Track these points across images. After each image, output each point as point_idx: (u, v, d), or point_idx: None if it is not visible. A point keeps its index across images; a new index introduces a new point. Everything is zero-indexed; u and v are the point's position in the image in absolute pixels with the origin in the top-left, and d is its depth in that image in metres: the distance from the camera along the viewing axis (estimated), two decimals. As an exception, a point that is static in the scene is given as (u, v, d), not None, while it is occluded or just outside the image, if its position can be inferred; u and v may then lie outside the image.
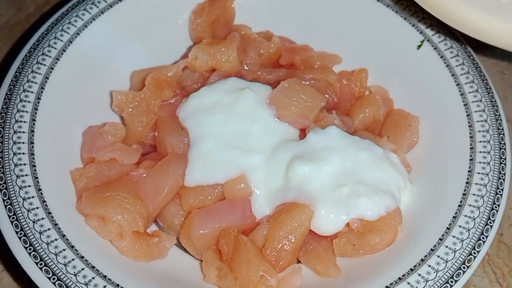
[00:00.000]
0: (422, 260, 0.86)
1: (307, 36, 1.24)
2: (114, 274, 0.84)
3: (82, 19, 1.12)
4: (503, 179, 0.92)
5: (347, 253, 0.95)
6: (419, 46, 1.13)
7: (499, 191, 0.91)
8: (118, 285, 0.83)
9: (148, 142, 1.10)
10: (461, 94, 1.05)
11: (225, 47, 1.15)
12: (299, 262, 0.97)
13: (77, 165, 1.03)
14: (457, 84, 1.06)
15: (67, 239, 0.86)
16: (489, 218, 0.89)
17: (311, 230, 0.94)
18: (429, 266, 0.85)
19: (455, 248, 0.87)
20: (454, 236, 0.88)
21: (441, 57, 1.10)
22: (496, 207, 0.90)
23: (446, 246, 0.87)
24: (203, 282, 0.93)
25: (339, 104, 1.17)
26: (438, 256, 0.86)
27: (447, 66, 1.09)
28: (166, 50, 1.22)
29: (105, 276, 0.83)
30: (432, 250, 0.87)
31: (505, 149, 0.96)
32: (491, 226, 0.88)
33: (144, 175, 1.01)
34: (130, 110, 1.08)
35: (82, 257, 0.85)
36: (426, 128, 1.08)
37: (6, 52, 1.35)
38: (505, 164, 0.94)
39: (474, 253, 0.86)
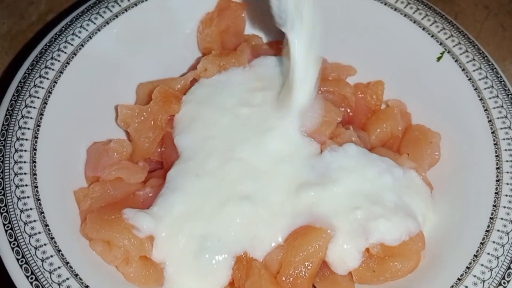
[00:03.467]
0: (449, 291, 0.81)
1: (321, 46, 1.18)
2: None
3: (86, 30, 1.07)
4: (533, 202, 0.87)
5: (366, 280, 0.90)
6: (439, 58, 1.08)
7: (530, 215, 0.86)
8: (125, 316, 0.78)
9: (155, 158, 1.05)
10: (485, 110, 0.99)
11: (236, 58, 1.10)
12: (314, 287, 0.92)
13: (82, 183, 0.98)
14: (481, 99, 1.01)
15: (70, 267, 0.81)
16: (519, 245, 0.84)
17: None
18: (458, 296, 0.81)
19: (483, 278, 0.82)
20: (482, 265, 0.83)
21: (463, 70, 1.05)
22: (526, 232, 0.85)
23: (474, 276, 0.82)
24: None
25: (354, 118, 1.12)
26: (466, 287, 0.81)
27: (469, 79, 1.03)
28: (174, 61, 1.17)
29: (111, 307, 0.79)
30: (459, 280, 0.82)
31: (533, 169, 0.91)
32: (522, 254, 0.83)
33: (151, 194, 0.96)
34: (136, 125, 1.03)
35: (87, 286, 0.80)
36: (447, 145, 1.03)
37: (8, 62, 1.31)
38: (534, 185, 0.89)
39: (504, 283, 0.81)
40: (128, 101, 1.12)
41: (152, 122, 1.03)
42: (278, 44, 1.20)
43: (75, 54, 1.05)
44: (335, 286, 0.89)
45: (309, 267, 0.87)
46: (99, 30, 1.08)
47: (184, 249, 0.88)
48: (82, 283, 0.80)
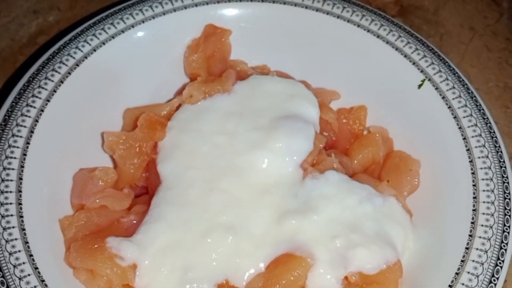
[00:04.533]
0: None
1: (305, 71, 1.21)
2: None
3: (74, 58, 1.09)
4: (508, 232, 0.89)
5: (345, 308, 0.91)
6: (420, 86, 1.10)
7: (504, 245, 0.88)
8: None
9: (140, 183, 1.07)
10: (464, 138, 1.01)
11: (221, 85, 1.12)
12: (295, 314, 0.94)
13: (68, 210, 1.00)
14: (460, 128, 1.03)
15: (54, 297, 0.83)
16: (493, 275, 0.85)
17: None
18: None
19: (458, 308, 0.83)
20: (457, 293, 0.85)
21: (443, 97, 1.07)
22: (500, 263, 0.86)
23: (449, 305, 0.84)
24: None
25: (337, 143, 1.14)
26: (441, 317, 0.83)
27: (449, 107, 1.05)
28: (161, 86, 1.19)
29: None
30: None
31: (510, 199, 0.92)
32: (495, 285, 0.84)
33: (135, 221, 0.98)
34: (122, 151, 1.05)
35: (70, 317, 0.82)
36: (427, 172, 1.04)
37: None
38: (510, 216, 0.91)
39: (478, 313, 0.83)
40: (116, 126, 1.14)
41: (138, 149, 1.05)
42: (263, 69, 1.23)
43: (62, 82, 1.06)
44: (315, 314, 0.91)
45: (289, 296, 0.89)
46: (86, 57, 1.10)
47: (166, 280, 0.89)
48: (65, 313, 0.82)
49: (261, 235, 0.94)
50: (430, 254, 0.93)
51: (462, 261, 0.88)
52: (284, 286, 0.89)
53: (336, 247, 0.92)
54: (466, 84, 1.08)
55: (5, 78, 1.34)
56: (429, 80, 1.09)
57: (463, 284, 0.86)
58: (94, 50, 1.11)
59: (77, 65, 1.09)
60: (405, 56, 1.13)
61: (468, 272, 0.87)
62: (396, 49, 1.13)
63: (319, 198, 0.97)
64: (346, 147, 1.14)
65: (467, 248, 0.89)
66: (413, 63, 1.12)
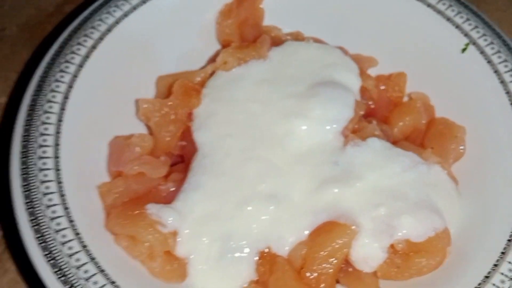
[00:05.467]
0: (476, 288, 0.81)
1: (340, 37, 1.17)
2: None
3: (106, 23, 1.07)
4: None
5: (390, 276, 0.89)
6: (463, 50, 1.06)
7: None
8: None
9: (176, 152, 1.05)
10: (511, 103, 0.97)
11: (256, 51, 1.09)
12: (337, 282, 0.92)
13: (104, 178, 0.98)
14: (507, 92, 0.99)
15: (96, 262, 0.82)
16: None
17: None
18: (486, 293, 0.80)
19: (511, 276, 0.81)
20: (510, 262, 0.82)
21: (488, 62, 1.03)
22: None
23: (502, 273, 0.81)
24: (238, 305, 0.88)
25: (376, 111, 1.11)
26: (494, 285, 0.80)
27: (495, 72, 1.02)
28: (191, 53, 1.16)
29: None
30: (486, 277, 0.81)
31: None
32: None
33: (173, 189, 0.96)
34: (157, 119, 1.03)
35: (113, 282, 0.80)
36: (472, 138, 1.01)
37: (26, 54, 1.30)
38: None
39: (533, 281, 0.80)
40: (148, 94, 1.12)
41: (173, 116, 1.03)
42: (297, 35, 1.19)
43: (94, 47, 1.04)
44: (359, 282, 0.89)
45: (333, 263, 0.87)
46: (117, 23, 1.07)
47: (207, 249, 0.88)
48: (108, 278, 0.80)
49: (302, 203, 0.92)
50: (478, 222, 0.91)
51: (514, 228, 0.85)
52: (328, 255, 0.87)
53: (381, 215, 0.89)
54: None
55: (32, 47, 1.32)
56: (473, 44, 1.05)
57: (516, 250, 0.83)
58: (126, 16, 1.09)
59: (109, 31, 1.06)
60: (448, 19, 1.08)
61: (522, 238, 0.84)
62: (438, 12, 1.09)
63: (361, 165, 0.94)
64: (385, 115, 1.11)
65: (518, 215, 0.86)
66: (456, 27, 1.07)
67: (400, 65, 1.13)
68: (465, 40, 1.06)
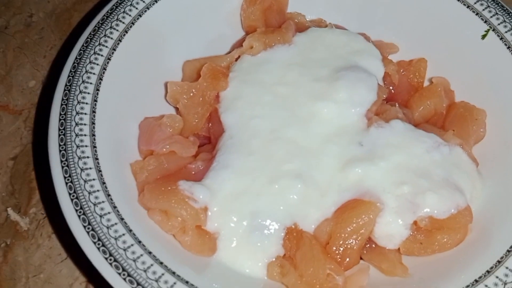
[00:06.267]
0: (498, 261, 0.83)
1: (362, 24, 1.20)
2: (182, 270, 0.83)
3: (136, 8, 1.10)
4: None
5: (413, 252, 0.92)
6: (483, 36, 1.08)
7: None
8: (187, 281, 0.82)
9: (203, 133, 1.08)
10: (531, 88, 1.00)
11: (281, 36, 1.12)
12: (361, 259, 0.95)
13: (135, 157, 1.02)
14: (526, 77, 1.01)
15: (134, 234, 0.85)
16: None
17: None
18: (507, 268, 0.82)
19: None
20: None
21: (508, 48, 1.05)
22: None
23: (522, 249, 0.84)
24: (266, 279, 0.92)
25: (397, 95, 1.14)
26: (514, 261, 0.83)
27: (515, 57, 1.04)
28: (216, 39, 1.19)
29: (173, 273, 0.83)
30: (508, 251, 0.84)
31: None
32: None
33: (202, 167, 1.00)
34: (186, 101, 1.06)
35: (150, 252, 0.84)
36: (492, 122, 1.04)
37: (55, 40, 1.34)
38: None
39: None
40: (174, 79, 1.15)
41: (201, 99, 1.06)
42: (319, 22, 1.22)
43: (126, 32, 1.07)
44: (382, 258, 0.92)
45: (358, 239, 0.90)
46: (148, 8, 1.11)
47: (236, 225, 0.91)
48: (146, 249, 0.84)
49: (328, 182, 0.95)
50: (498, 202, 0.93)
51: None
52: (353, 231, 0.90)
53: (404, 193, 0.92)
54: (532, 34, 1.06)
55: (60, 33, 1.35)
56: (493, 30, 1.08)
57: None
58: (156, 1, 1.12)
59: (140, 16, 1.10)
60: (468, 6, 1.11)
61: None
62: (458, -1, 1.12)
63: (385, 146, 0.97)
64: (406, 100, 1.13)
65: (538, 194, 0.89)
66: (476, 13, 1.10)
67: (420, 52, 1.16)
68: (485, 27, 1.08)
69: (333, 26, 1.18)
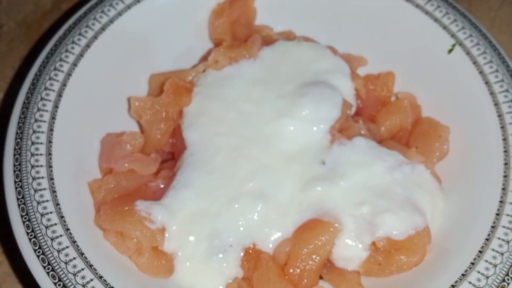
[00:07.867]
0: (452, 286, 0.83)
1: (331, 36, 1.19)
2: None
3: (100, 22, 1.09)
4: (540, 199, 0.88)
5: (372, 273, 0.92)
6: (450, 50, 1.07)
7: (536, 212, 0.87)
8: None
9: (166, 149, 1.07)
10: (495, 104, 0.99)
11: (247, 50, 1.11)
12: (320, 278, 0.94)
13: (96, 174, 1.01)
14: (491, 93, 1.00)
15: (85, 258, 0.84)
16: (524, 242, 0.85)
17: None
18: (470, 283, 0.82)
19: (487, 274, 0.83)
20: (486, 261, 0.84)
21: (474, 63, 1.04)
22: (532, 229, 0.85)
23: (478, 272, 0.83)
24: (223, 299, 0.91)
25: (364, 109, 1.13)
26: (470, 283, 0.83)
27: (480, 73, 1.03)
28: (185, 51, 1.18)
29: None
30: (463, 275, 0.83)
31: (542, 165, 0.91)
32: (527, 251, 0.84)
33: (162, 186, 0.99)
34: (149, 117, 1.05)
35: (101, 276, 0.83)
36: (456, 138, 1.03)
37: (23, 51, 1.33)
38: (542, 182, 0.89)
39: (508, 279, 0.82)
40: (141, 92, 1.14)
41: (164, 114, 1.05)
42: (288, 34, 1.21)
43: (88, 46, 1.06)
44: (342, 278, 0.91)
45: (316, 260, 0.89)
46: (112, 22, 1.10)
47: (194, 247, 0.90)
48: (97, 273, 0.83)
49: (288, 201, 0.94)
50: (459, 220, 0.93)
51: (492, 227, 0.87)
52: (311, 251, 0.90)
53: (363, 213, 0.91)
54: (497, 49, 1.05)
55: (30, 43, 1.34)
56: (460, 44, 1.07)
57: (493, 249, 0.85)
58: (120, 15, 1.11)
59: (103, 30, 1.09)
60: (435, 20, 1.10)
61: (499, 238, 0.86)
62: (426, 13, 1.11)
63: (346, 164, 0.96)
64: (373, 114, 1.12)
65: (497, 215, 0.88)
66: (443, 27, 1.09)
67: (388, 65, 1.15)
68: (452, 41, 1.07)
69: (301, 39, 1.17)
